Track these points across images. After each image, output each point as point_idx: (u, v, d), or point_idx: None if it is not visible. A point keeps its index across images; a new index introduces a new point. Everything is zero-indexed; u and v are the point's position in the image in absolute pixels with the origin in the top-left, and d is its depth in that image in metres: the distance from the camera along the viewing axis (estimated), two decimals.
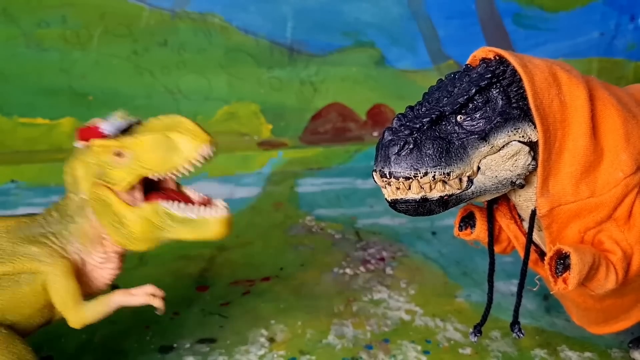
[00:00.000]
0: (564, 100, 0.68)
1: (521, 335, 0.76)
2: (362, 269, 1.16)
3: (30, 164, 1.56)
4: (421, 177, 0.64)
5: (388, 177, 0.65)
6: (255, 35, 1.69)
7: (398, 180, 0.64)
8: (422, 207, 0.66)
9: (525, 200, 0.74)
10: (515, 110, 0.67)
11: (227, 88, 1.72)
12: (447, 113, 0.67)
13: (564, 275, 0.67)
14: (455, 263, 1.18)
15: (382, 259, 1.20)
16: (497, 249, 0.84)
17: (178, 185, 0.74)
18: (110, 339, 0.92)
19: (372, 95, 1.81)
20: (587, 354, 0.90)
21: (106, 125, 0.68)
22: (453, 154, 0.65)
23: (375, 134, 1.83)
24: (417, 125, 0.65)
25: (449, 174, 0.64)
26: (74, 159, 0.71)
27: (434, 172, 0.64)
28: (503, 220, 0.81)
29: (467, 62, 0.73)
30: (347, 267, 1.16)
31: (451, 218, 1.33)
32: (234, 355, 0.90)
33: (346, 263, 1.18)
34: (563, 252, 0.68)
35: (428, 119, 0.66)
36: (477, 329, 0.79)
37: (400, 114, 0.68)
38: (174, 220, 0.68)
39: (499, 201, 0.80)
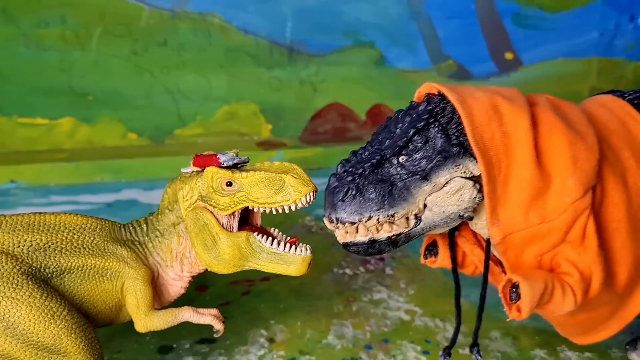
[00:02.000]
0: (506, 130, 0.68)
1: (479, 357, 0.78)
2: (361, 269, 1.16)
3: (29, 164, 1.56)
4: (366, 221, 0.66)
5: (336, 222, 0.67)
6: (255, 35, 1.69)
7: (345, 225, 0.67)
8: (372, 248, 0.69)
9: (482, 228, 0.75)
10: (455, 147, 0.68)
11: (227, 88, 1.72)
12: (388, 156, 0.68)
13: (518, 303, 0.68)
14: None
15: (382, 259, 1.20)
16: (466, 272, 0.86)
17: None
18: (110, 339, 0.92)
19: (371, 95, 1.81)
20: (587, 354, 0.91)
21: (224, 158, 0.75)
22: (396, 196, 0.66)
23: None
24: (359, 171, 0.67)
25: (393, 215, 0.66)
26: (179, 181, 0.78)
27: (378, 215, 0.66)
28: (466, 245, 0.82)
29: (414, 99, 0.74)
30: (347, 267, 1.16)
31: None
32: (233, 356, 0.90)
33: (346, 263, 1.18)
34: (513, 281, 0.69)
35: (369, 163, 0.67)
36: (447, 351, 0.80)
37: (344, 159, 0.71)
38: (263, 251, 0.75)
39: (460, 227, 0.81)
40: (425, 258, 0.86)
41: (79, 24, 1.58)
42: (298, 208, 0.73)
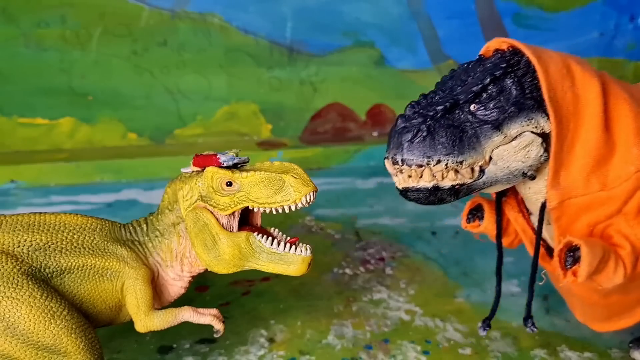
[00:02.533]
0: (577, 92, 0.68)
1: (534, 329, 0.77)
2: (361, 269, 1.16)
3: (29, 164, 1.56)
4: (434, 165, 0.64)
5: (400, 164, 0.65)
6: (255, 35, 1.69)
7: (410, 167, 0.64)
8: (434, 196, 0.66)
9: (535, 193, 0.73)
10: (529, 100, 0.67)
11: (227, 88, 1.72)
12: (460, 102, 0.66)
13: (574, 267, 0.67)
14: (455, 263, 1.18)
15: (382, 259, 1.20)
16: (504, 242, 0.84)
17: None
18: (110, 339, 0.92)
19: (372, 95, 1.81)
20: (587, 354, 0.91)
21: (224, 157, 0.75)
22: (466, 143, 0.65)
23: (375, 134, 1.82)
24: (431, 113, 0.65)
25: (461, 163, 0.64)
26: (179, 181, 0.78)
27: (447, 161, 0.64)
28: (511, 213, 0.80)
29: (480, 53, 0.73)
30: (347, 267, 1.16)
31: (451, 218, 1.34)
32: (233, 356, 0.90)
33: (346, 263, 1.18)
34: (573, 244, 0.67)
35: (442, 107, 0.65)
36: (486, 323, 0.79)
37: (413, 101, 0.68)
38: (263, 251, 0.74)
39: (507, 194, 0.80)
40: (469, 222, 0.84)
41: (79, 24, 1.58)
42: (298, 208, 0.73)
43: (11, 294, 0.67)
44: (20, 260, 0.70)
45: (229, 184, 0.74)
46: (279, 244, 0.75)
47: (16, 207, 1.40)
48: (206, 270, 0.79)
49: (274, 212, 0.74)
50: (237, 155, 0.77)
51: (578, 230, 0.71)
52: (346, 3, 1.71)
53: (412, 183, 0.66)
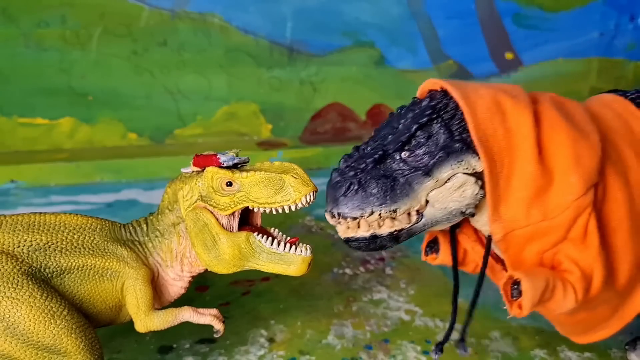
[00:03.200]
0: (509, 127, 0.68)
1: (465, 353, 0.78)
2: (361, 269, 1.16)
3: (29, 164, 1.56)
4: (368, 217, 0.66)
5: (337, 217, 0.67)
6: (255, 35, 1.69)
7: (346, 220, 0.66)
8: (373, 244, 0.69)
9: (482, 226, 0.75)
10: (458, 143, 0.68)
11: (227, 88, 1.72)
12: (390, 151, 0.68)
13: (518, 300, 0.68)
14: None
15: (382, 259, 1.20)
16: (467, 269, 0.86)
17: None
18: (111, 338, 0.92)
19: (371, 95, 1.81)
20: (587, 354, 0.91)
21: (224, 158, 0.75)
22: (398, 191, 0.66)
23: None
24: (362, 166, 0.67)
25: (395, 211, 0.66)
26: (179, 181, 0.78)
27: (380, 211, 0.66)
28: (468, 242, 0.82)
29: (417, 95, 0.74)
30: (347, 267, 1.16)
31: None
32: (233, 356, 0.90)
33: (346, 263, 1.18)
34: (515, 278, 0.68)
35: (372, 158, 0.67)
36: (439, 347, 0.80)
37: (346, 154, 0.71)
38: (263, 251, 0.74)
39: (462, 225, 0.81)
40: (427, 255, 0.85)
41: (79, 24, 1.58)
42: (298, 208, 0.73)
43: (11, 294, 0.67)
44: (20, 260, 0.70)
45: (229, 184, 0.74)
46: (279, 244, 0.75)
47: (16, 207, 1.40)
48: (206, 270, 0.79)
49: (274, 212, 0.74)
50: (237, 156, 0.77)
51: (528, 258, 0.72)
52: (346, 3, 1.71)
53: (351, 233, 0.68)
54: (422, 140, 0.68)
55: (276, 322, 0.98)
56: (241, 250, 0.74)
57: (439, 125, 0.69)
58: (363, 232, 0.68)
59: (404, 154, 0.68)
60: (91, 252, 0.74)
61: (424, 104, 0.70)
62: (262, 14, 1.67)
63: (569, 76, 1.88)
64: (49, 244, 0.73)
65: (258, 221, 0.80)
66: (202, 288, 1.08)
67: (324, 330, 0.96)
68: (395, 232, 0.68)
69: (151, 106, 1.68)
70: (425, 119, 0.68)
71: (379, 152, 0.68)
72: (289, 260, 0.74)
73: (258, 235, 0.75)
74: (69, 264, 0.73)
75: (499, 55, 1.83)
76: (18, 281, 0.68)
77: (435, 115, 0.69)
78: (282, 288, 1.08)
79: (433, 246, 0.85)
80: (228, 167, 0.75)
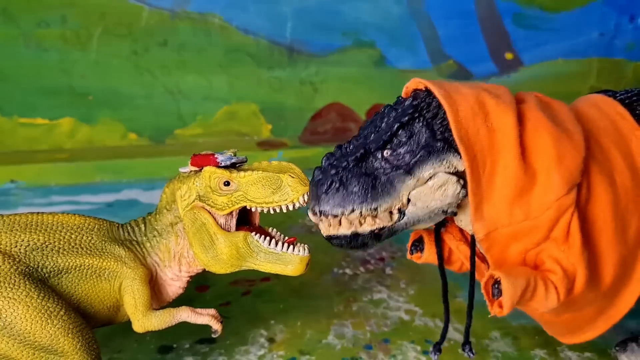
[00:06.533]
0: (491, 127, 0.68)
1: (472, 355, 0.78)
2: (361, 269, 1.16)
3: (30, 164, 1.56)
4: (348, 214, 0.66)
5: (319, 214, 0.67)
6: (255, 35, 1.69)
7: (327, 217, 0.67)
8: (354, 242, 0.68)
9: (466, 225, 0.75)
10: (439, 142, 0.68)
11: (227, 88, 1.72)
12: (372, 150, 0.68)
13: (499, 299, 0.68)
14: None
15: (382, 259, 1.20)
16: (453, 268, 0.85)
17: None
18: (110, 338, 0.92)
19: (371, 95, 1.81)
20: (587, 354, 0.90)
21: (221, 157, 0.75)
22: (379, 189, 0.66)
23: None
24: (343, 164, 0.67)
25: (376, 209, 0.66)
26: (177, 180, 0.78)
27: (361, 209, 0.66)
28: (452, 242, 0.81)
29: (402, 94, 0.75)
30: (347, 267, 1.16)
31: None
32: (233, 356, 0.90)
33: (346, 263, 1.18)
34: (495, 277, 0.68)
35: (353, 157, 0.67)
36: (437, 348, 0.80)
37: (328, 153, 0.70)
38: (261, 251, 0.75)
39: (446, 224, 0.81)
40: (412, 253, 0.85)
41: (79, 24, 1.58)
42: (296, 208, 0.73)
43: (8, 293, 0.67)
44: (17, 260, 0.70)
45: (227, 183, 0.74)
46: (276, 244, 0.75)
47: (16, 207, 1.40)
48: (204, 270, 0.79)
49: (272, 211, 0.74)
50: (234, 155, 0.77)
51: (511, 257, 0.72)
52: (346, 3, 1.71)
53: (332, 231, 0.68)
54: (404, 139, 0.68)
55: (276, 322, 0.98)
56: (239, 250, 0.74)
57: (420, 124, 0.69)
58: (344, 230, 0.68)
59: (386, 153, 0.68)
60: (89, 252, 0.74)
61: (406, 103, 0.71)
62: (262, 14, 1.67)
63: (569, 76, 1.87)
64: (47, 243, 0.73)
65: (256, 221, 0.80)
66: (202, 288, 1.08)
67: (324, 330, 0.96)
68: (377, 230, 0.68)
69: (151, 106, 1.68)
70: (407, 118, 0.69)
71: (361, 151, 0.68)
72: (286, 260, 0.74)
73: (256, 235, 0.75)
74: (67, 263, 0.73)
75: (499, 55, 1.83)
76: (15, 281, 0.68)
77: (417, 114, 0.69)
78: (282, 288, 1.08)
79: (418, 245, 0.85)
80: (226, 167, 0.75)
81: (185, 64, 1.67)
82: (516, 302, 0.67)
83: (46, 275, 0.72)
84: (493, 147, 0.68)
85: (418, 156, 0.68)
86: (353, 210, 0.66)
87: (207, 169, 0.74)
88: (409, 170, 0.67)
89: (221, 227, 0.75)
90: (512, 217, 0.68)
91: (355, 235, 0.68)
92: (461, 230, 0.80)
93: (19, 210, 1.36)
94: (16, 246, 0.71)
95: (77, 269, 0.73)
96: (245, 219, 0.79)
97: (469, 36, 1.79)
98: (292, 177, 0.72)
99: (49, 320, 0.68)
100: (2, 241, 0.71)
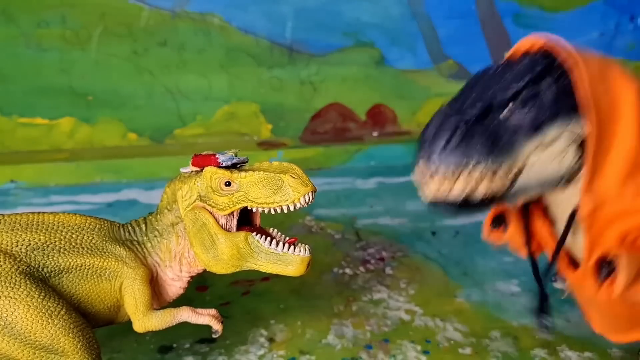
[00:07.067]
0: (613, 97, 0.65)
1: (550, 324, 0.75)
2: (361, 269, 1.16)
3: (29, 164, 1.56)
4: (472, 169, 0.61)
5: (435, 169, 0.62)
6: (255, 35, 1.69)
7: (445, 173, 0.62)
8: (465, 205, 0.64)
9: (564, 201, 0.71)
10: (565, 104, 0.65)
11: (227, 88, 1.72)
12: (494, 106, 0.64)
13: (609, 279, 0.65)
14: (455, 263, 1.18)
15: (382, 259, 1.19)
16: (524, 252, 0.80)
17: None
18: (110, 338, 0.92)
19: (372, 95, 1.81)
20: (587, 354, 0.90)
21: (222, 157, 0.75)
22: (502, 147, 0.62)
23: (375, 134, 1.82)
24: (466, 117, 0.63)
25: (498, 168, 0.62)
26: (178, 181, 0.78)
27: (484, 165, 0.61)
28: (537, 221, 0.77)
29: (510, 54, 0.70)
30: (347, 267, 1.16)
31: (451, 219, 1.34)
32: (233, 355, 0.90)
33: (346, 263, 1.18)
34: (608, 256, 0.65)
35: (475, 110, 0.63)
36: (544, 314, 0.77)
37: (445, 105, 0.66)
38: (261, 251, 0.74)
39: (531, 201, 0.76)
40: (492, 230, 0.80)
41: (79, 24, 1.58)
42: (297, 208, 0.73)
43: (9, 293, 0.67)
44: (18, 259, 0.70)
45: (228, 183, 0.74)
46: (277, 244, 0.74)
47: (16, 207, 1.40)
48: (205, 270, 0.79)
49: (273, 212, 0.73)
50: (236, 155, 0.77)
51: (609, 240, 0.68)
52: (346, 3, 1.71)
53: (443, 192, 0.63)
54: (529, 97, 0.64)
55: (276, 322, 0.98)
56: (240, 250, 0.74)
57: (547, 83, 0.65)
58: (457, 192, 0.62)
59: (509, 111, 0.64)
60: (89, 251, 0.74)
61: (527, 60, 0.67)
62: (262, 14, 1.67)
63: None
64: (47, 243, 0.73)
65: (257, 221, 0.80)
66: (202, 288, 1.08)
67: (324, 330, 0.96)
68: (490, 194, 0.63)
69: (151, 106, 1.68)
70: (533, 75, 0.65)
71: (484, 105, 0.63)
72: (287, 260, 0.74)
73: (257, 235, 0.74)
74: (67, 263, 0.73)
75: (499, 56, 1.82)
76: (16, 280, 0.68)
77: (544, 72, 0.65)
78: (282, 288, 1.08)
79: (499, 222, 0.79)
80: (227, 167, 0.75)
81: (185, 64, 1.67)
82: (630, 281, 0.64)
83: (47, 274, 0.72)
84: (613, 118, 0.65)
85: (543, 117, 0.64)
86: (476, 166, 0.61)
87: (208, 169, 0.74)
88: (533, 131, 0.63)
89: (222, 227, 0.75)
90: (622, 193, 0.65)
91: (466, 200, 0.63)
92: (544, 212, 0.77)
93: (19, 210, 1.36)
94: (17, 246, 0.71)
95: (78, 268, 0.73)
96: (246, 220, 0.79)
97: (469, 36, 1.79)
98: (293, 177, 0.72)
99: (49, 320, 0.68)
100: (3, 241, 0.71)
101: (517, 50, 0.70)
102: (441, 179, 0.62)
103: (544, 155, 0.65)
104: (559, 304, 0.96)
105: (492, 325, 0.97)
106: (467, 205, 0.63)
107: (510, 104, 0.64)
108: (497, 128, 0.63)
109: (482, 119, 0.63)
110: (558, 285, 0.77)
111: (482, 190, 0.63)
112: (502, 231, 0.80)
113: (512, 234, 0.79)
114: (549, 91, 0.65)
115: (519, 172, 0.65)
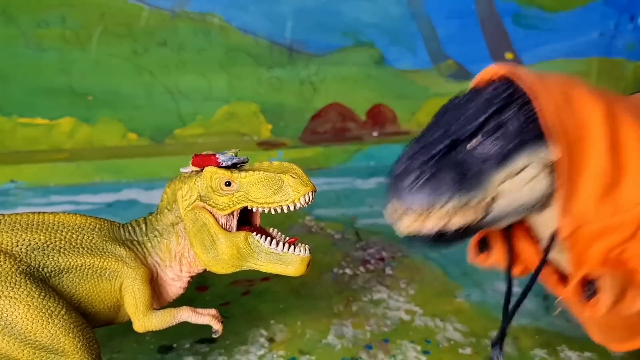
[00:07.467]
0: (579, 118, 0.65)
1: (500, 357, 0.76)
2: (361, 269, 1.16)
3: (29, 164, 1.56)
4: (440, 207, 0.62)
5: (405, 209, 0.62)
6: (255, 35, 1.69)
7: (415, 212, 0.62)
8: (440, 239, 0.64)
9: (544, 222, 0.71)
10: (532, 131, 0.65)
11: (227, 88, 1.72)
12: (459, 139, 0.64)
13: (592, 300, 0.65)
14: (455, 263, 1.18)
15: (382, 259, 1.20)
16: (514, 272, 0.81)
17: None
18: (110, 338, 0.92)
19: (372, 95, 1.81)
20: (587, 354, 0.90)
21: (223, 157, 0.75)
22: (471, 181, 0.63)
23: (375, 134, 1.82)
24: (432, 153, 0.63)
25: (468, 202, 0.62)
26: (178, 181, 0.78)
27: (453, 201, 0.62)
28: (520, 243, 0.78)
29: (474, 83, 0.70)
30: (347, 267, 1.16)
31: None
32: (233, 355, 0.90)
33: (346, 263, 1.18)
34: (591, 276, 0.65)
35: (441, 145, 0.63)
36: (498, 346, 0.77)
37: (413, 140, 0.66)
38: (261, 251, 0.74)
39: (512, 225, 0.76)
40: (477, 255, 0.81)
41: (79, 24, 1.58)
42: (297, 208, 0.73)
43: (9, 293, 0.67)
44: (18, 259, 0.70)
45: (228, 183, 0.74)
46: (277, 244, 0.74)
47: (16, 207, 1.40)
48: (205, 270, 0.79)
49: (273, 212, 0.73)
50: (236, 155, 0.77)
51: (592, 258, 0.68)
52: (346, 3, 1.71)
53: (416, 228, 0.63)
54: (494, 128, 0.64)
55: (276, 322, 0.98)
56: (240, 250, 0.74)
57: (511, 112, 0.65)
58: (430, 227, 0.62)
59: (475, 142, 0.64)
60: (90, 251, 0.74)
61: (490, 90, 0.67)
62: (262, 14, 1.67)
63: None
64: (48, 243, 0.73)
65: (257, 221, 0.80)
66: (202, 288, 1.08)
67: (324, 330, 0.96)
68: (464, 227, 0.64)
69: (151, 106, 1.68)
70: (497, 105, 0.65)
71: (448, 140, 0.64)
72: (287, 260, 0.74)
73: (257, 235, 0.74)
74: (68, 263, 0.73)
75: (499, 55, 1.83)
76: (16, 280, 0.68)
77: (508, 102, 0.65)
78: (282, 288, 1.08)
79: (483, 246, 0.80)
80: (227, 167, 0.75)
81: (185, 64, 1.67)
82: (614, 300, 0.64)
83: (47, 274, 0.72)
84: (582, 139, 0.65)
85: (511, 145, 0.64)
86: (447, 202, 0.61)
87: (209, 169, 0.74)
88: (501, 160, 0.64)
89: (222, 227, 0.75)
90: (600, 212, 0.65)
91: (441, 234, 0.63)
92: (528, 232, 0.77)
93: (19, 210, 1.36)
94: (17, 245, 0.71)
95: (78, 268, 0.73)
96: (246, 220, 0.79)
97: (469, 36, 1.79)
98: (294, 177, 0.72)
99: (49, 320, 0.68)
100: (3, 241, 0.71)
101: (481, 80, 0.70)
102: (414, 216, 0.63)
103: (515, 184, 0.65)
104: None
105: (492, 325, 0.97)
106: (442, 238, 0.64)
107: (477, 135, 0.64)
108: (465, 160, 0.64)
109: (450, 152, 0.64)
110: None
111: (455, 223, 0.63)
112: (487, 254, 0.80)
113: (497, 257, 0.79)
114: (514, 120, 0.65)
115: (492, 201, 0.65)
